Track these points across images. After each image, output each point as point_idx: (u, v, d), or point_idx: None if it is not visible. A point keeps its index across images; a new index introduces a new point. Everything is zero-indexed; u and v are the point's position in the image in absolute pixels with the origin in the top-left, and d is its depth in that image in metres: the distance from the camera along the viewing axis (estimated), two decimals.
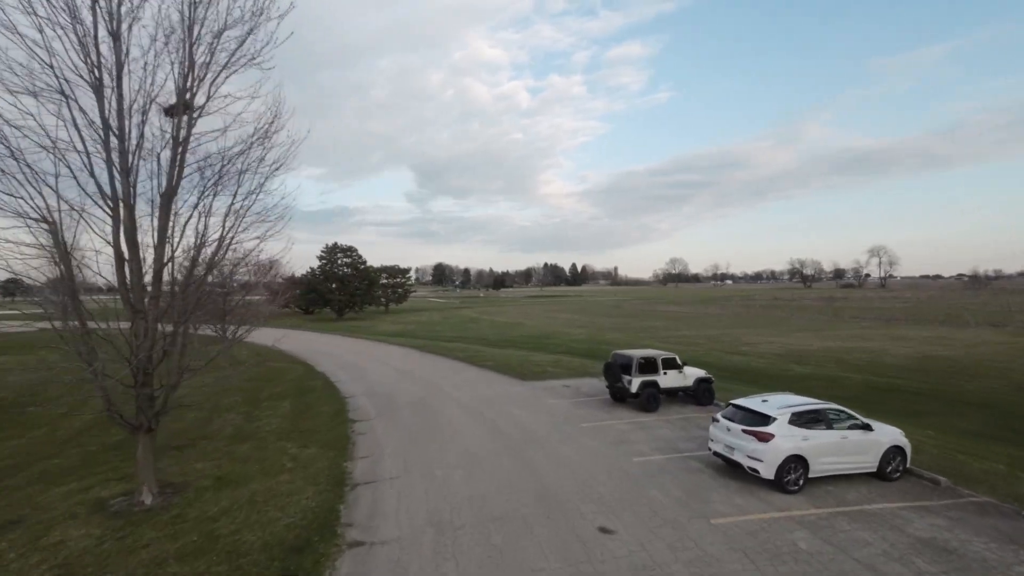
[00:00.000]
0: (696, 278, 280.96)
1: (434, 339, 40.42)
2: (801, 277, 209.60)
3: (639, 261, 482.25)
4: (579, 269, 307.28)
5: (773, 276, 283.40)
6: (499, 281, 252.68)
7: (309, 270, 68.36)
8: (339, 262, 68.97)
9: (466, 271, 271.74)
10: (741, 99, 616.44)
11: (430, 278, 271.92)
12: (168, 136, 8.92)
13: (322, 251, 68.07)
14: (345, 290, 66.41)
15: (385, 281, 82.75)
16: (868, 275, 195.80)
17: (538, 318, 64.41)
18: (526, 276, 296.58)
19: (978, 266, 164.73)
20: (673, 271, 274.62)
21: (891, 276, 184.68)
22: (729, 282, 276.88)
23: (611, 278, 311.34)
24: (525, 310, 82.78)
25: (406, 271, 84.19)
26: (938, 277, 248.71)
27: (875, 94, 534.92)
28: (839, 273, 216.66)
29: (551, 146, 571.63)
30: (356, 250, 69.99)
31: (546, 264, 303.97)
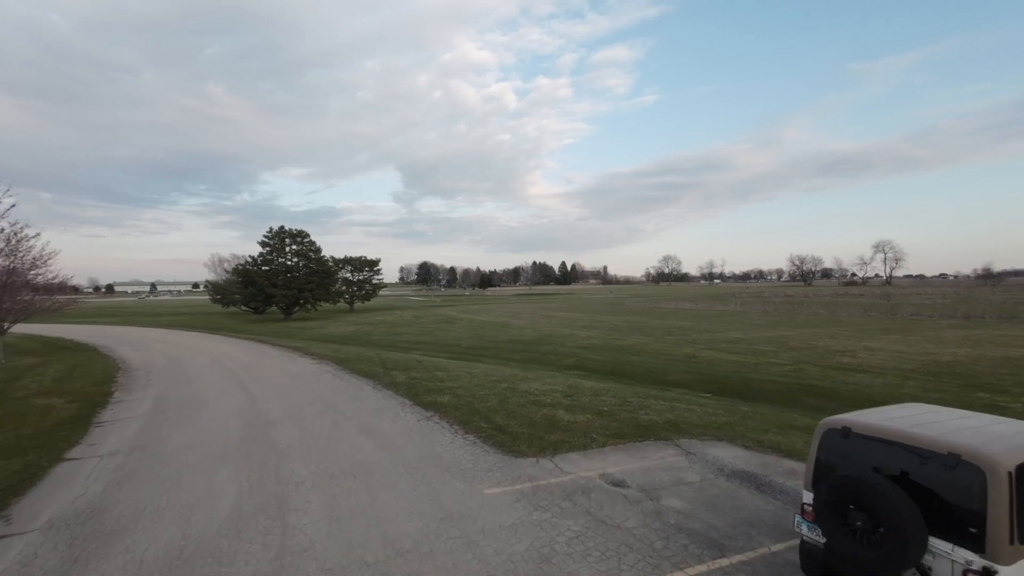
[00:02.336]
0: (685, 277, 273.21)
1: (386, 347, 28.70)
2: (801, 275, 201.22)
3: (627, 261, 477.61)
4: (569, 268, 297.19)
5: (761, 275, 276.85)
6: (486, 280, 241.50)
7: (248, 259, 55.83)
8: (287, 250, 56.58)
9: (452, 270, 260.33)
10: (724, 103, 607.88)
11: (415, 277, 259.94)
12: None
13: (265, 235, 55.30)
14: (293, 284, 53.98)
15: (349, 275, 70.56)
16: (855, 274, 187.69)
17: (529, 317, 52.85)
18: (514, 275, 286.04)
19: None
20: (666, 269, 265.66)
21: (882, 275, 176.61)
22: (718, 281, 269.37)
23: (601, 277, 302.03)
24: (513, 308, 71.18)
25: (375, 263, 71.88)
26: (921, 276, 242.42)
27: (853, 98, 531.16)
28: (826, 272, 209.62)
29: (538, 147, 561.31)
30: (308, 235, 57.50)
31: (535, 263, 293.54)
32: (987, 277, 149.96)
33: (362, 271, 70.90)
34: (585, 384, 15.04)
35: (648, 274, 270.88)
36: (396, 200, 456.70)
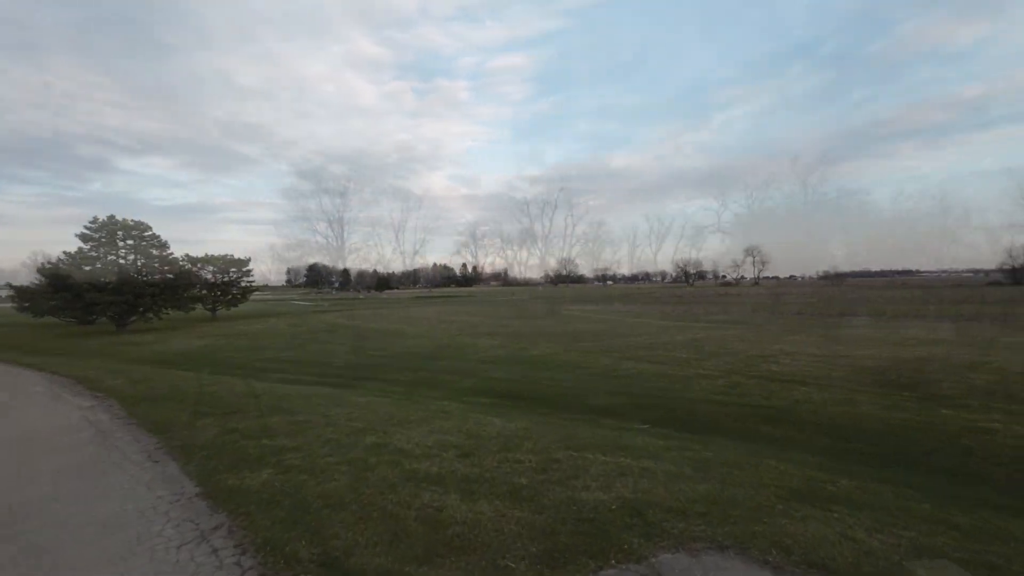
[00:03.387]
0: (582, 279, 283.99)
1: (231, 368, 22.20)
2: (684, 276, 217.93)
3: (526, 263, 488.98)
4: (471, 269, 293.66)
5: (648, 276, 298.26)
6: (383, 282, 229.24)
7: (62, 256, 43.92)
8: (120, 245, 45.51)
9: (345, 272, 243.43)
10: (615, 116, 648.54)
11: (304, 279, 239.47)
12: None
13: (87, 227, 43.77)
14: (127, 288, 43.34)
15: (210, 278, 59.80)
16: (724, 275, 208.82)
17: (426, 324, 47.66)
18: (413, 277, 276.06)
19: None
20: (564, 271, 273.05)
21: (748, 276, 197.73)
22: (611, 282, 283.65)
23: (502, 279, 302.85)
24: (410, 313, 65.25)
25: (244, 262, 61.68)
26: (776, 278, 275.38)
27: (727, 118, 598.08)
28: (701, 274, 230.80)
29: (437, 148, 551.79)
30: (150, 228, 46.76)
31: (435, 264, 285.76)
32: (830, 277, 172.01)
33: (228, 272, 60.39)
34: (491, 425, 10.64)
35: (547, 276, 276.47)
36: (285, 197, 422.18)
